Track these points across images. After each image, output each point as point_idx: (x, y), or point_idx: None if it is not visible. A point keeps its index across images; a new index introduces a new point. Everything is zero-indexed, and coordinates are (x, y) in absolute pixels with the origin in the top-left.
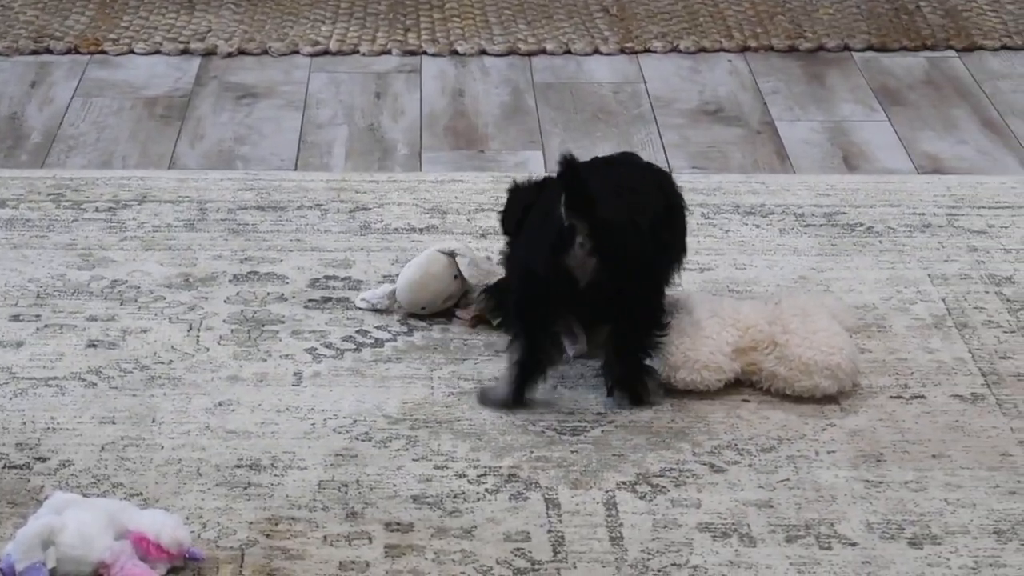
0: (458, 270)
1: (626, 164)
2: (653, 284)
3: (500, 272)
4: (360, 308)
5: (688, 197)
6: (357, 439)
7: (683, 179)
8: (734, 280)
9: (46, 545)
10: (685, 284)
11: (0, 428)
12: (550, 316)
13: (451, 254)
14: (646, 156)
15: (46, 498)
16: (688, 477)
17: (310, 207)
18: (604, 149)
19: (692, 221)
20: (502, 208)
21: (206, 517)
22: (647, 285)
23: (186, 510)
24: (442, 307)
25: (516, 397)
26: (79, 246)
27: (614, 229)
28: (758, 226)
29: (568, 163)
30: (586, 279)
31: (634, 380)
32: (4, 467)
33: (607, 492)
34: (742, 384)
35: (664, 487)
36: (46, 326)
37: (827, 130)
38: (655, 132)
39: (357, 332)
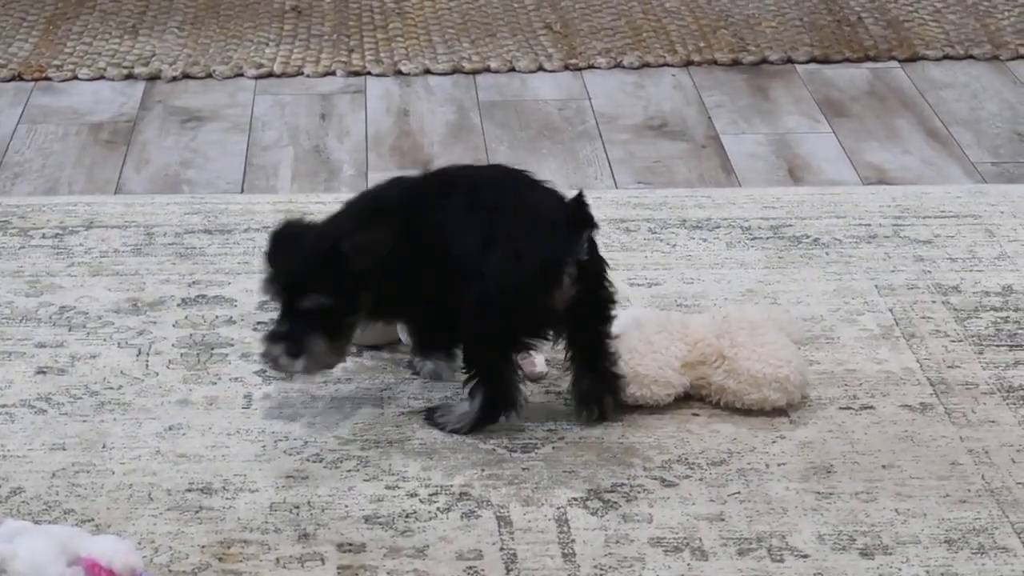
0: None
1: (523, 182)
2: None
3: None
4: None
5: (635, 212)
6: (308, 460)
7: (629, 194)
8: (682, 294)
9: (1, 569)
10: (633, 299)
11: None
12: (520, 347)
13: None
14: (592, 172)
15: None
16: (639, 492)
17: (257, 229)
18: (550, 166)
19: (639, 237)
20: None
21: (158, 542)
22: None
23: (138, 535)
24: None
25: (474, 431)
26: (26, 273)
27: (594, 254)
28: (705, 240)
29: (581, 201)
30: (564, 305)
31: (607, 392)
32: None
33: (559, 508)
34: (692, 398)
35: (616, 503)
36: None
37: (772, 143)
38: (600, 148)
39: None
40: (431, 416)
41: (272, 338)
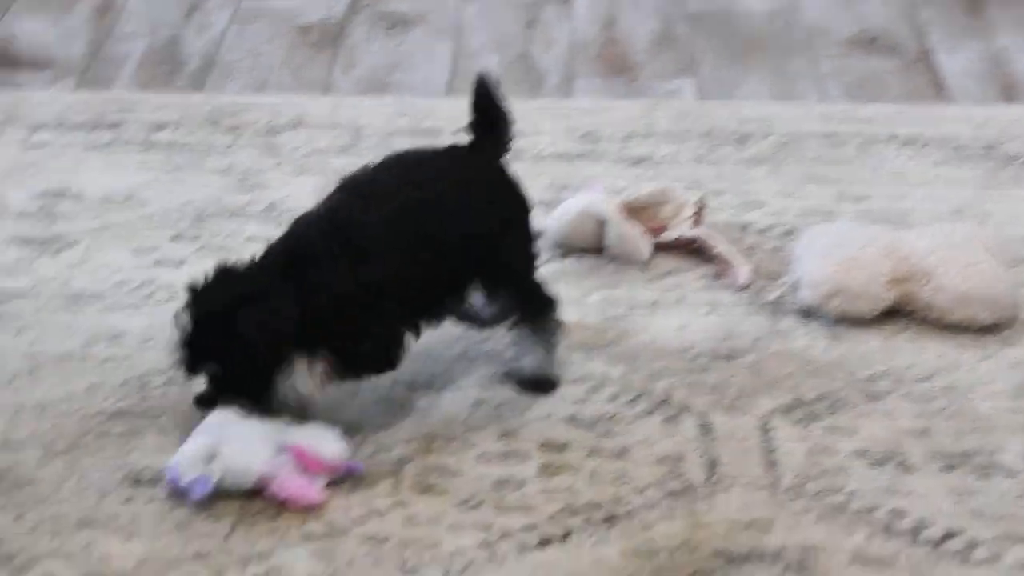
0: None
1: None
2: None
3: (644, 250)
4: None
5: (843, 127)
6: (512, 360)
7: (838, 109)
8: (889, 211)
9: (210, 459)
10: (841, 214)
11: (163, 343)
12: None
13: (602, 221)
14: (800, 87)
15: (206, 411)
16: (843, 405)
17: (464, 132)
18: (757, 79)
19: (848, 152)
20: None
21: (364, 433)
22: None
23: (344, 425)
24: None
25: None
26: (236, 170)
27: None
28: (914, 157)
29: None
30: None
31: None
32: (168, 381)
33: (761, 417)
34: (898, 314)
35: (819, 414)
36: (204, 247)
37: (985, 60)
38: (810, 62)
39: None
40: (540, 385)
41: (197, 398)
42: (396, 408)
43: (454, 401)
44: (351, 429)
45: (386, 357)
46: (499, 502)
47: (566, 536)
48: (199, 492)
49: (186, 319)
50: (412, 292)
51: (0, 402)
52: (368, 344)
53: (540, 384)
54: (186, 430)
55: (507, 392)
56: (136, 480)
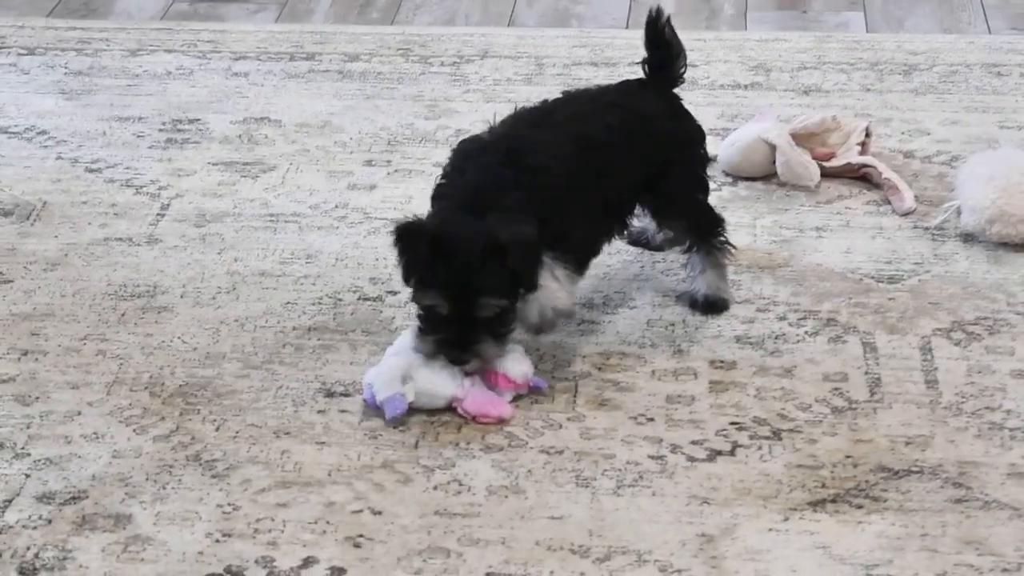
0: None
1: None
2: None
3: (813, 176)
4: None
5: (1007, 58)
6: (683, 282)
7: (1002, 40)
8: None
9: (405, 380)
10: (1004, 141)
11: (355, 263)
12: None
13: (773, 148)
14: (965, 17)
15: (397, 329)
16: (1002, 326)
17: (640, 63)
18: (924, 10)
19: (1011, 81)
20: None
21: (543, 350)
22: None
23: (525, 343)
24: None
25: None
26: (426, 97)
27: None
28: None
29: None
30: None
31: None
32: (359, 299)
33: (923, 338)
34: None
35: (979, 335)
36: (396, 171)
37: None
38: None
39: None
40: (712, 306)
41: (439, 345)
42: (573, 326)
43: (628, 320)
44: (531, 348)
45: (594, 244)
46: (670, 417)
47: (733, 450)
48: (393, 411)
49: (443, 266)
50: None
51: (203, 317)
52: (579, 233)
53: (713, 305)
54: (376, 346)
55: (679, 311)
56: (329, 392)
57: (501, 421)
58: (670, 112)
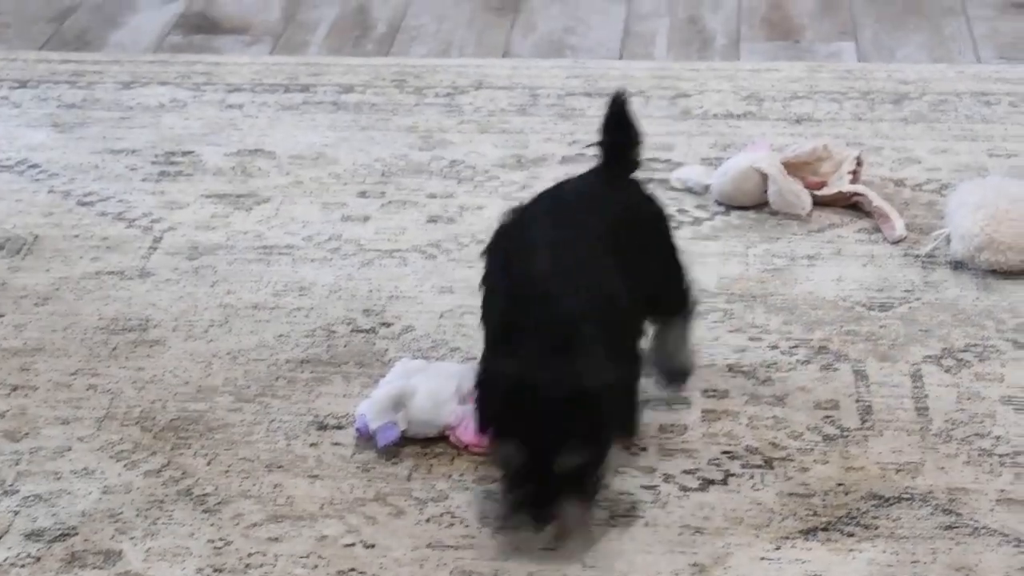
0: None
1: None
2: None
3: (804, 205)
4: (675, 187)
5: (996, 87)
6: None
7: (992, 69)
8: None
9: (398, 408)
10: (992, 169)
11: (349, 295)
12: None
13: (765, 177)
14: (955, 47)
15: (390, 360)
16: (992, 352)
17: (634, 93)
18: (914, 42)
19: (1000, 110)
20: None
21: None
22: None
23: None
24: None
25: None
26: (420, 128)
27: None
28: None
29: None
30: None
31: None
32: (352, 331)
33: (913, 365)
34: None
35: (968, 361)
36: (390, 202)
37: None
38: (965, 23)
39: (677, 211)
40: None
41: (516, 506)
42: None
43: None
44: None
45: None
46: (662, 446)
47: (726, 479)
48: (385, 440)
49: (527, 414)
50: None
51: (195, 350)
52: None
53: (679, 376)
54: (369, 378)
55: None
56: (322, 425)
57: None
58: (640, 206)
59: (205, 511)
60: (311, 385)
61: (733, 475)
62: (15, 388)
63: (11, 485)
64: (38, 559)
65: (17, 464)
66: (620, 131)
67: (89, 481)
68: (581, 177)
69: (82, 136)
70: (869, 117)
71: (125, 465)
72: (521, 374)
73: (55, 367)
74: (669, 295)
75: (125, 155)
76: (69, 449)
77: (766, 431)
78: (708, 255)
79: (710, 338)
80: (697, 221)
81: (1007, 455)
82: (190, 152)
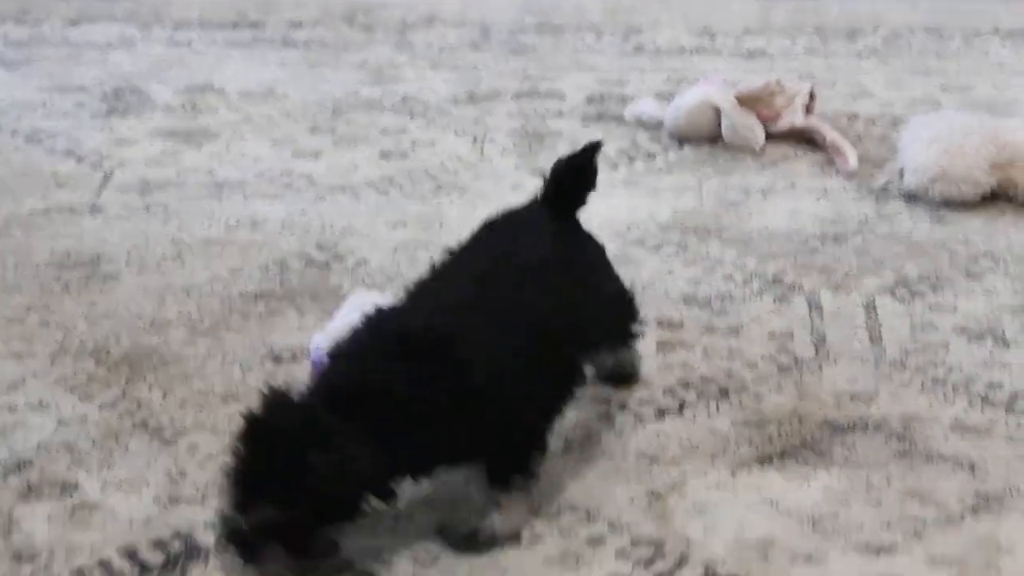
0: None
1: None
2: None
3: (758, 139)
4: (629, 122)
5: (949, 20)
6: (631, 244)
7: (943, 3)
8: (993, 100)
9: None
10: (945, 104)
11: (302, 230)
12: None
13: (718, 112)
14: None
15: (345, 294)
16: (945, 283)
17: (587, 29)
18: None
19: (953, 45)
20: None
21: None
22: None
23: None
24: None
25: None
26: (371, 64)
27: None
28: (1016, 49)
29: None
30: None
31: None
32: (306, 265)
33: (867, 296)
34: (998, 198)
35: (922, 292)
36: (342, 138)
37: None
38: None
39: (631, 146)
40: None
41: (229, 535)
42: None
43: None
44: None
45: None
46: None
47: (681, 408)
48: None
49: (246, 452)
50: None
51: (148, 285)
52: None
53: (622, 379)
54: (324, 311)
55: (626, 272)
56: (277, 357)
57: None
58: (583, 241)
59: (161, 442)
60: (265, 318)
61: (688, 404)
62: None
63: None
64: None
65: None
66: (583, 176)
67: (44, 414)
68: (529, 211)
69: (29, 73)
70: (822, 52)
71: (80, 398)
72: (272, 409)
73: (7, 303)
74: (616, 330)
75: (73, 92)
76: (23, 382)
77: (721, 361)
78: (662, 189)
79: (664, 271)
80: (651, 156)
81: (960, 383)
82: (138, 89)
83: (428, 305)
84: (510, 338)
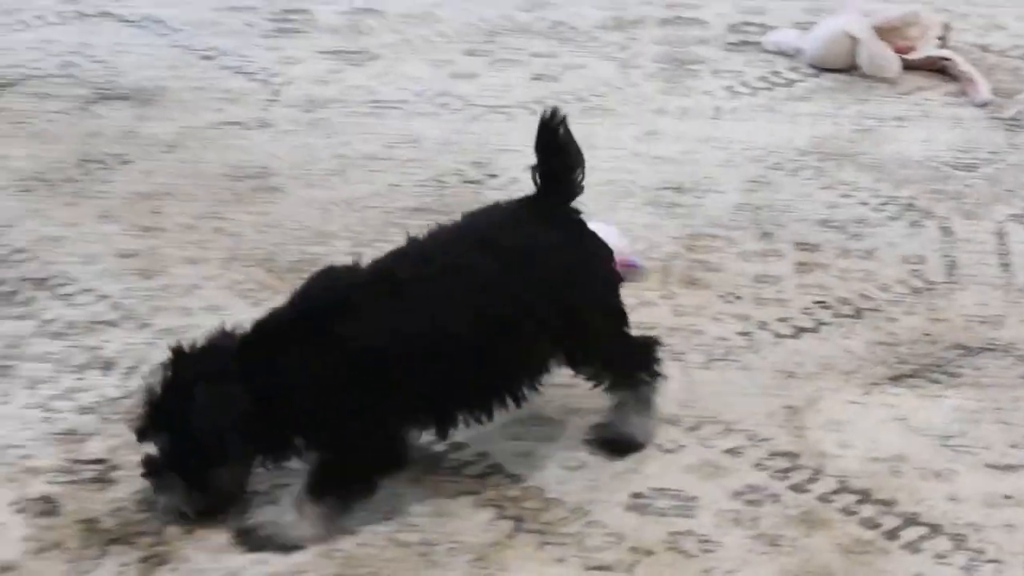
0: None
1: None
2: None
3: (894, 68)
4: (768, 51)
5: None
6: (770, 168)
7: None
8: None
9: None
10: None
11: (457, 148)
12: None
13: (854, 39)
14: None
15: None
16: None
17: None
18: None
19: None
20: None
21: (636, 231)
22: None
23: (620, 224)
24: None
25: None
26: None
27: None
28: None
29: None
30: None
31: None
32: (461, 181)
33: (998, 223)
34: None
35: None
36: (496, 60)
37: None
38: None
39: (771, 73)
40: (618, 447)
41: (142, 461)
42: (664, 210)
43: (717, 203)
44: (625, 227)
45: (381, 460)
46: (757, 296)
47: (817, 327)
48: None
49: (157, 383)
50: (459, 375)
51: (313, 197)
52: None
53: (618, 446)
54: None
55: (765, 195)
56: None
57: None
58: (564, 242)
59: None
60: (423, 232)
61: (824, 324)
62: (147, 229)
63: (146, 319)
64: None
65: (150, 300)
66: (551, 156)
67: (217, 317)
68: (500, 208)
69: None
70: None
71: (251, 303)
72: (192, 346)
73: (183, 210)
74: (611, 353)
75: (244, 12)
76: (197, 287)
77: (856, 283)
78: (800, 115)
79: (802, 194)
80: (790, 83)
81: None
82: (304, 10)
83: (359, 276)
84: (414, 326)
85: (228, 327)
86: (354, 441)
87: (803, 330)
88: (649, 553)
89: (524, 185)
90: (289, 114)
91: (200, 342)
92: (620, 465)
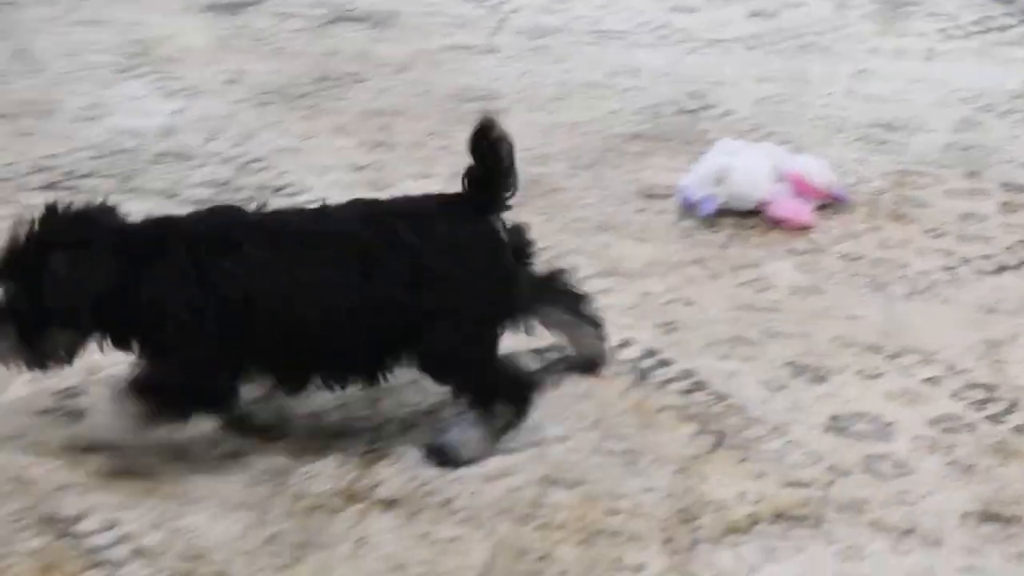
0: None
1: None
2: None
3: None
4: None
5: None
6: (980, 110)
7: None
8: None
9: (718, 182)
10: None
11: (676, 78)
12: None
13: None
14: None
15: (712, 140)
16: None
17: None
18: None
19: None
20: None
21: (846, 166)
22: None
23: (830, 159)
24: None
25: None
26: None
27: None
28: None
29: None
30: None
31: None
32: (678, 112)
33: None
34: None
35: None
36: None
37: None
38: None
39: (984, 17)
40: (441, 455)
41: None
42: (875, 146)
43: (926, 142)
44: (835, 162)
45: (194, 391)
46: (962, 232)
47: (1019, 266)
48: (706, 209)
49: (22, 234)
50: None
51: (536, 120)
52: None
53: (443, 456)
54: (691, 155)
55: (974, 136)
56: (648, 194)
57: (803, 227)
58: (455, 249)
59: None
60: (640, 157)
61: None
62: (378, 144)
63: None
64: None
65: None
66: (482, 164)
67: None
68: (423, 198)
69: None
70: None
71: None
72: (51, 209)
73: (411, 128)
74: (465, 379)
75: None
76: None
77: None
78: (1013, 59)
79: (1010, 136)
80: (1003, 28)
81: None
82: None
83: (250, 218)
84: (280, 278)
85: (109, 203)
86: (177, 369)
87: (1005, 268)
88: (846, 474)
89: (738, 117)
90: (515, 41)
91: (75, 207)
92: (821, 388)
